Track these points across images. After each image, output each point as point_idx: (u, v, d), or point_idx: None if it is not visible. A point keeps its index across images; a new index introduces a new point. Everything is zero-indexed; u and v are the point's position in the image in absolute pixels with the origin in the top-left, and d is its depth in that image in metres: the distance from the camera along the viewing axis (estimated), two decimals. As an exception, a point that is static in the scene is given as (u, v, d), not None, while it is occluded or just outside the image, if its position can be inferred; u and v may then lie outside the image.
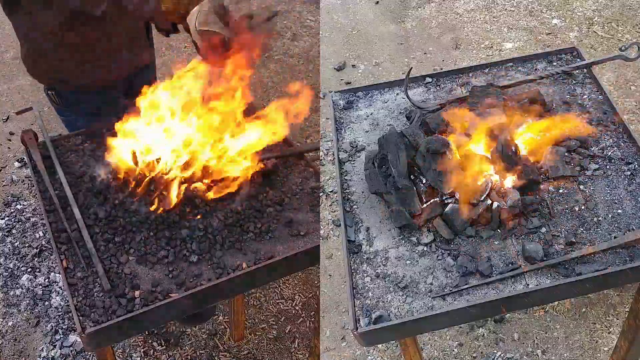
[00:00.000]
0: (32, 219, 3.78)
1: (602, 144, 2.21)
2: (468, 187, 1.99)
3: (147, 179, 2.17)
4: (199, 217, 2.16)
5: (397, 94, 2.58)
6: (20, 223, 3.76)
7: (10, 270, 3.49)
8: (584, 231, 1.96)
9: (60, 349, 3.14)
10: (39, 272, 3.48)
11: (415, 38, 5.02)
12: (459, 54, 4.78)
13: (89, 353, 3.12)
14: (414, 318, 1.82)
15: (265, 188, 2.29)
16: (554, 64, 2.58)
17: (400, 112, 2.49)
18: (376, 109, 2.54)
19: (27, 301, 3.35)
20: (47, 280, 3.43)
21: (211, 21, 2.17)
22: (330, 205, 3.72)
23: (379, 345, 3.06)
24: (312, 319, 3.32)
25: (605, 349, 2.97)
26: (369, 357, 3.07)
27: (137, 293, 1.95)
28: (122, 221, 2.13)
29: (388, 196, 2.09)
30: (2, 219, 3.77)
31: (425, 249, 2.00)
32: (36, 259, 3.55)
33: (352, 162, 2.34)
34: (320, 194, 3.77)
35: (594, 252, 1.89)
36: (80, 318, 1.88)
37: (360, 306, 1.88)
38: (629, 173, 2.10)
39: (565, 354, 2.97)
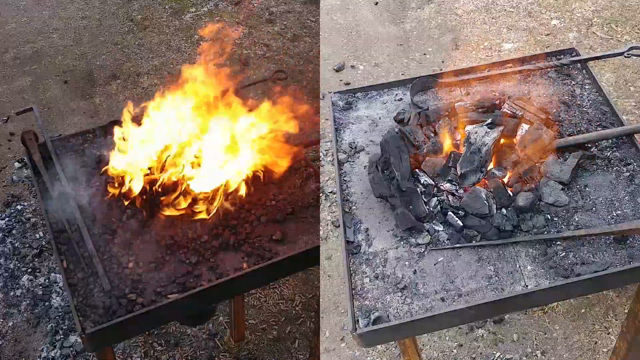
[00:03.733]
0: (32, 220, 3.78)
1: (601, 144, 2.21)
2: None
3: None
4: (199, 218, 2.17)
5: (396, 94, 2.59)
6: (20, 223, 3.76)
7: (10, 270, 3.49)
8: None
9: (61, 350, 3.15)
10: (39, 272, 3.48)
11: (414, 39, 5.02)
12: (458, 54, 4.78)
13: (89, 353, 3.13)
14: (413, 319, 1.82)
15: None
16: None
17: (400, 113, 2.49)
18: (375, 109, 2.54)
19: (27, 302, 3.35)
20: (47, 280, 3.44)
21: None
22: (330, 206, 3.72)
23: (378, 346, 3.06)
24: (313, 320, 3.33)
25: (605, 350, 2.97)
26: (368, 358, 3.07)
27: (137, 294, 1.95)
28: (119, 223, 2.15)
29: (392, 199, 2.09)
30: (2, 219, 3.78)
31: (424, 249, 2.00)
32: (36, 260, 3.55)
33: (352, 163, 2.34)
34: (320, 195, 3.77)
35: (587, 234, 1.89)
36: (81, 318, 1.89)
37: (359, 307, 1.88)
38: (628, 174, 2.11)
39: (564, 355, 2.98)
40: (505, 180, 2.08)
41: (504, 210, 2.00)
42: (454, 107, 2.33)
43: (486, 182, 2.07)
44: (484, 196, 2.00)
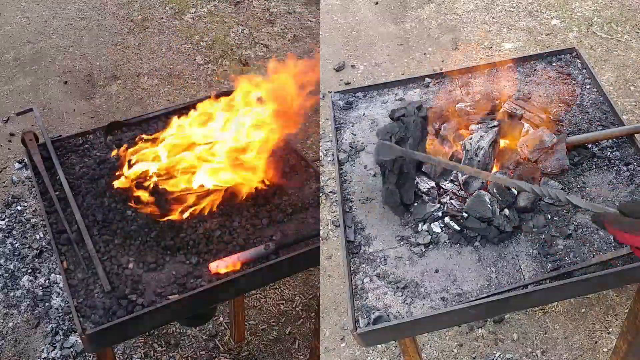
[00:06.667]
0: (33, 220, 3.79)
1: (602, 144, 2.21)
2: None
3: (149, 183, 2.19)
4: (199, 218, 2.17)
5: (396, 94, 2.59)
6: (20, 224, 3.76)
7: (10, 271, 3.49)
8: (584, 232, 1.97)
9: (61, 350, 3.15)
10: (40, 273, 3.49)
11: (414, 38, 5.02)
12: (458, 54, 4.78)
13: (90, 354, 3.13)
14: (413, 319, 1.82)
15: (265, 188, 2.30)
16: (554, 64, 2.58)
17: (396, 111, 2.49)
18: (375, 109, 2.54)
19: (28, 302, 3.35)
20: (47, 281, 3.44)
21: None
22: (330, 205, 3.72)
23: (379, 346, 3.06)
24: (313, 320, 3.33)
25: (605, 349, 2.97)
26: (369, 358, 3.07)
27: (137, 294, 1.95)
28: (119, 224, 2.15)
29: (390, 174, 2.05)
30: (2, 220, 3.78)
31: (424, 249, 2.00)
32: (36, 260, 3.55)
33: (352, 163, 2.34)
34: (320, 195, 3.77)
35: (595, 262, 1.89)
36: (81, 319, 1.89)
37: (360, 307, 1.88)
38: (628, 174, 2.11)
39: (564, 355, 2.98)
40: None
41: (506, 211, 2.00)
42: (454, 108, 2.33)
43: (488, 183, 2.07)
44: (487, 200, 1.99)
